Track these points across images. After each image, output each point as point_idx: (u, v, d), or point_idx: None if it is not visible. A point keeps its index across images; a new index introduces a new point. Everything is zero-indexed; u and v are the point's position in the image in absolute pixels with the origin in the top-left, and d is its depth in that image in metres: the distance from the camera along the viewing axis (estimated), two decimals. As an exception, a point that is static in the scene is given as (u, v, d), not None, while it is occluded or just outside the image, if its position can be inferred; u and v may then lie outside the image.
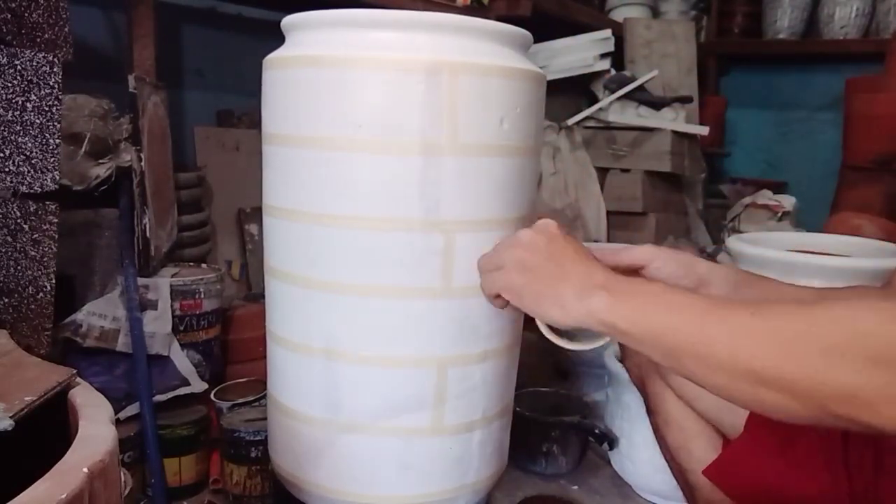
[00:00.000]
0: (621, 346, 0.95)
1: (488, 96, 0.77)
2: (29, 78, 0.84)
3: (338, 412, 0.83)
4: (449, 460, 0.84)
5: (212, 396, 1.20)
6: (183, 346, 1.22)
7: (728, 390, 0.56)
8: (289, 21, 0.81)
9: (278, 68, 0.81)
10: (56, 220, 0.89)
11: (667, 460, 0.93)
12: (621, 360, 1.07)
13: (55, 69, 0.86)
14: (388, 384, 0.81)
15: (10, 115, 0.84)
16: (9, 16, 0.82)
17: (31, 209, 0.87)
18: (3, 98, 0.83)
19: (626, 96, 2.22)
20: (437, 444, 0.83)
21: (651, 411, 0.93)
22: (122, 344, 1.15)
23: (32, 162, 0.86)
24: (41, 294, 0.89)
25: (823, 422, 0.52)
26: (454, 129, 0.75)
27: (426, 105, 0.74)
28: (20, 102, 0.84)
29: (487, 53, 0.77)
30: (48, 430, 0.52)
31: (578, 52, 2.29)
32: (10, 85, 0.83)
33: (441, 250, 0.77)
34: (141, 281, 1.19)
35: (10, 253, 0.85)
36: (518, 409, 1.22)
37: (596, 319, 0.63)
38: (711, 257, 2.10)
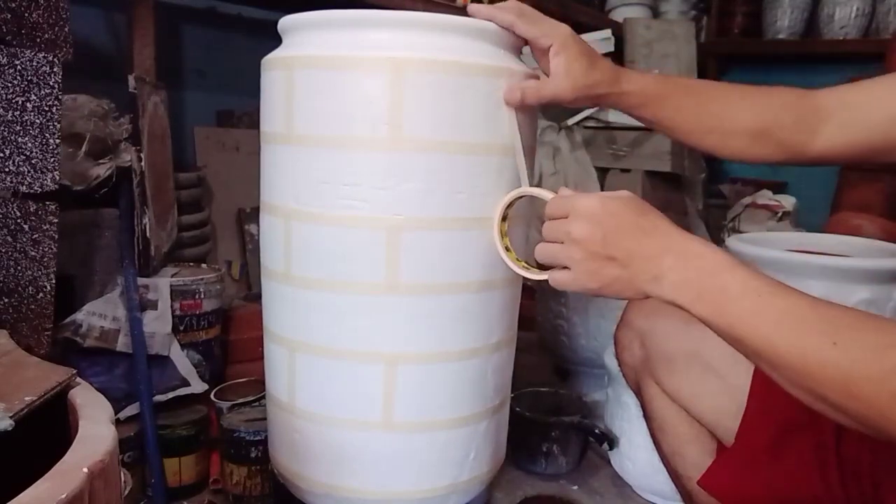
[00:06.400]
0: (616, 350, 0.95)
1: (443, 92, 0.76)
2: (29, 78, 0.84)
3: (298, 401, 0.86)
4: (404, 458, 0.85)
5: (212, 396, 1.21)
6: (183, 346, 1.22)
7: (792, 392, 0.59)
8: (282, 23, 0.85)
9: (266, 69, 0.85)
10: (56, 220, 0.89)
11: (664, 465, 0.93)
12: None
13: (55, 69, 0.86)
14: (338, 377, 0.83)
15: (10, 115, 0.84)
16: (9, 16, 0.82)
17: (31, 209, 0.87)
18: (3, 98, 0.83)
19: (627, 96, 2.22)
20: (389, 442, 0.84)
21: (647, 416, 0.92)
22: (122, 344, 1.15)
23: (32, 162, 0.86)
24: (41, 294, 0.88)
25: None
26: (401, 124, 0.76)
27: (376, 100, 0.75)
28: (20, 102, 0.84)
29: (448, 50, 0.77)
30: (48, 430, 0.52)
31: (578, 52, 2.29)
32: (10, 85, 0.83)
33: (384, 246, 0.78)
34: (141, 281, 1.19)
35: (10, 253, 0.85)
36: (518, 409, 1.22)
37: (674, 304, 0.64)
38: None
